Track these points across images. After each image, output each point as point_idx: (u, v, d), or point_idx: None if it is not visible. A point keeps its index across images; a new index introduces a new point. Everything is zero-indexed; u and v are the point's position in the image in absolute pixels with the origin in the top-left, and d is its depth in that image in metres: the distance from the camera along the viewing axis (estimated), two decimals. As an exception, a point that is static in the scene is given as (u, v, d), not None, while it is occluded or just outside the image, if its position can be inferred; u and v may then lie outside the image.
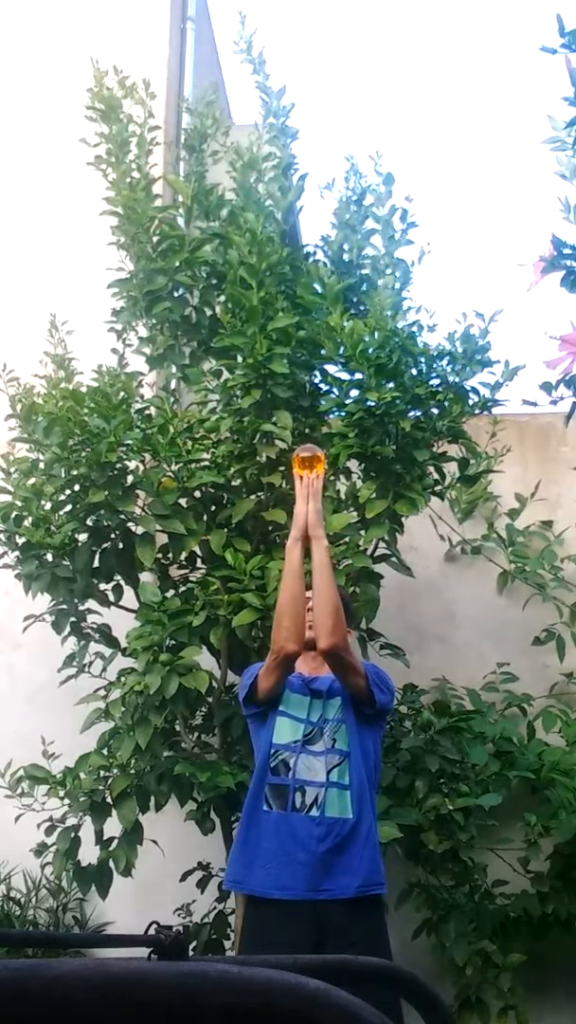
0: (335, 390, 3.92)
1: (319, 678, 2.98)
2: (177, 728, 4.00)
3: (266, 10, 19.82)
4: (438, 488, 4.09)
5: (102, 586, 4.13)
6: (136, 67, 4.52)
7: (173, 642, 3.67)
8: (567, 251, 3.37)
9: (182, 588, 4.09)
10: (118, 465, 3.79)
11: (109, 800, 3.84)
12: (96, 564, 4.02)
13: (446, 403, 3.81)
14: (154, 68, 5.78)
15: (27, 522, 3.94)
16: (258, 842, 2.82)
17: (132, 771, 3.79)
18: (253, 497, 3.95)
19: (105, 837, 3.90)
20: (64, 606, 4.14)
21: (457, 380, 3.84)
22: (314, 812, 2.78)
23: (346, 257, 4.30)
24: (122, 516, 3.89)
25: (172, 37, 6.06)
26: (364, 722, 2.94)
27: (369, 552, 3.94)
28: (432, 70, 20.40)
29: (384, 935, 2.87)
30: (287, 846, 2.76)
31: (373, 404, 3.70)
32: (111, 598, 4.16)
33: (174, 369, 4.36)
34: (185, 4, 6.29)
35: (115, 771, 3.82)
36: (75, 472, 3.78)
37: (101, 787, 3.85)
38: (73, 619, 4.18)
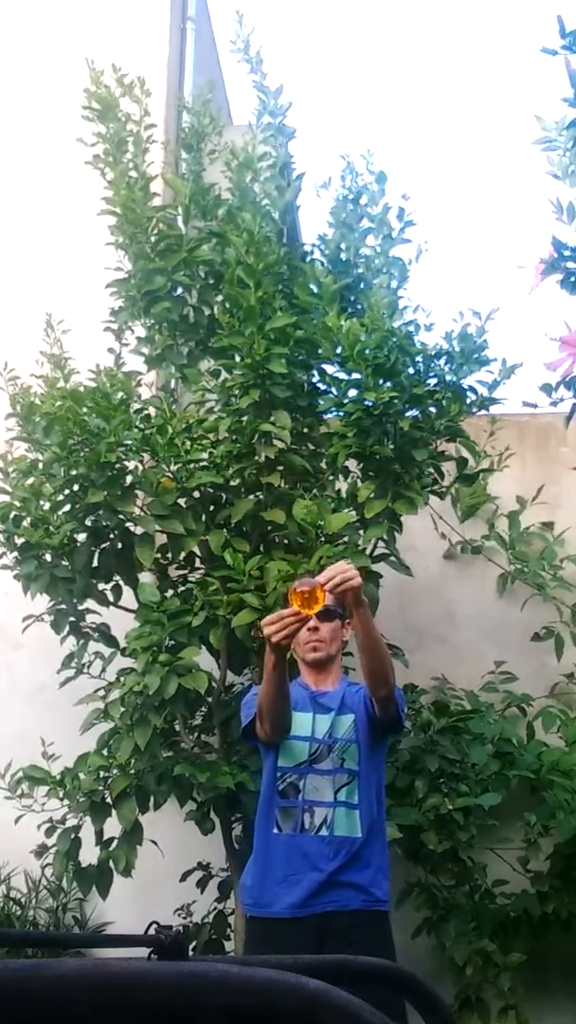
0: (333, 390, 3.92)
1: (328, 693, 2.94)
2: (177, 728, 4.00)
3: (265, 9, 19.81)
4: (437, 487, 4.09)
5: (101, 586, 4.13)
6: (136, 66, 4.51)
7: (172, 642, 3.66)
8: (567, 252, 3.37)
9: (181, 588, 4.09)
10: (117, 465, 3.79)
11: (109, 800, 3.84)
12: (95, 564, 4.02)
13: (444, 402, 3.81)
14: (154, 68, 5.78)
15: (26, 522, 3.94)
16: (269, 864, 2.80)
17: (132, 771, 3.78)
18: (252, 497, 3.94)
19: (105, 837, 3.90)
20: (63, 606, 4.14)
21: (455, 379, 3.84)
22: (323, 832, 2.77)
23: (343, 256, 4.30)
24: (121, 516, 3.89)
25: (172, 37, 6.06)
26: (376, 741, 2.92)
27: (368, 552, 3.94)
28: (431, 69, 20.40)
29: (390, 944, 2.83)
30: (296, 865, 2.76)
31: (371, 404, 3.70)
32: (110, 598, 4.16)
33: (172, 369, 4.36)
34: (185, 4, 6.29)
35: (115, 771, 3.82)
36: (74, 472, 3.78)
37: (101, 787, 3.85)
38: (72, 619, 4.18)
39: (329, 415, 4.16)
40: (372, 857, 2.81)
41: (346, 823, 2.79)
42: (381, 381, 3.73)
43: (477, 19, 19.94)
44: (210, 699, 3.97)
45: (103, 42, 5.43)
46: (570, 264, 3.36)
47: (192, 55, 6.16)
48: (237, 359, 3.87)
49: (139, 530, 3.88)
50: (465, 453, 4.16)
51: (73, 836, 3.90)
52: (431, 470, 3.97)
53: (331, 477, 4.07)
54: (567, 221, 3.44)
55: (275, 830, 2.81)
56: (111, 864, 3.83)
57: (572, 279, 3.37)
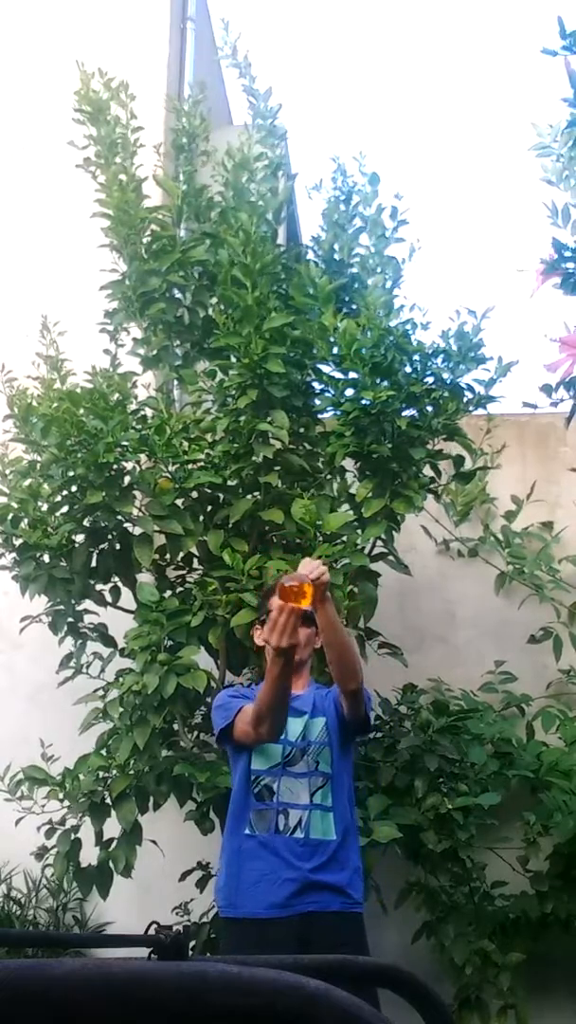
0: (330, 389, 3.92)
1: (300, 696, 2.95)
2: (176, 728, 4.00)
3: (264, 10, 19.80)
4: (434, 486, 4.09)
5: (99, 587, 4.12)
6: (136, 67, 4.52)
7: (171, 642, 3.67)
8: (567, 253, 3.38)
9: (180, 588, 4.09)
10: (115, 466, 3.79)
11: (108, 801, 3.84)
12: (94, 565, 4.02)
13: (441, 401, 3.82)
14: (154, 68, 5.78)
15: (24, 523, 3.94)
16: (243, 865, 2.81)
17: (131, 771, 3.78)
18: (250, 497, 3.95)
19: (104, 838, 3.90)
20: (61, 607, 4.14)
21: (452, 377, 3.84)
22: (298, 834, 2.79)
23: (337, 257, 4.30)
24: (119, 517, 3.89)
25: (172, 37, 6.06)
26: (346, 743, 2.95)
27: (367, 551, 3.94)
28: (431, 70, 20.40)
29: (366, 946, 2.87)
30: (273, 865, 2.77)
31: (368, 403, 3.70)
32: (108, 599, 4.16)
33: (168, 370, 4.36)
34: (185, 4, 6.29)
35: (114, 772, 3.82)
36: (72, 473, 3.78)
37: (100, 788, 3.85)
38: (70, 620, 4.18)
39: (326, 414, 4.17)
40: (348, 859, 2.84)
41: (321, 825, 2.82)
42: (378, 380, 3.73)
43: (475, 20, 19.96)
44: (209, 699, 3.97)
45: (102, 43, 5.44)
46: (570, 265, 3.37)
47: (192, 55, 6.16)
48: (234, 359, 3.87)
49: (137, 530, 3.88)
50: (462, 451, 4.16)
51: (73, 837, 3.90)
52: (428, 468, 3.97)
53: (329, 476, 4.07)
54: (562, 225, 3.46)
55: (247, 831, 2.82)
56: (111, 864, 3.83)
57: (572, 280, 3.38)
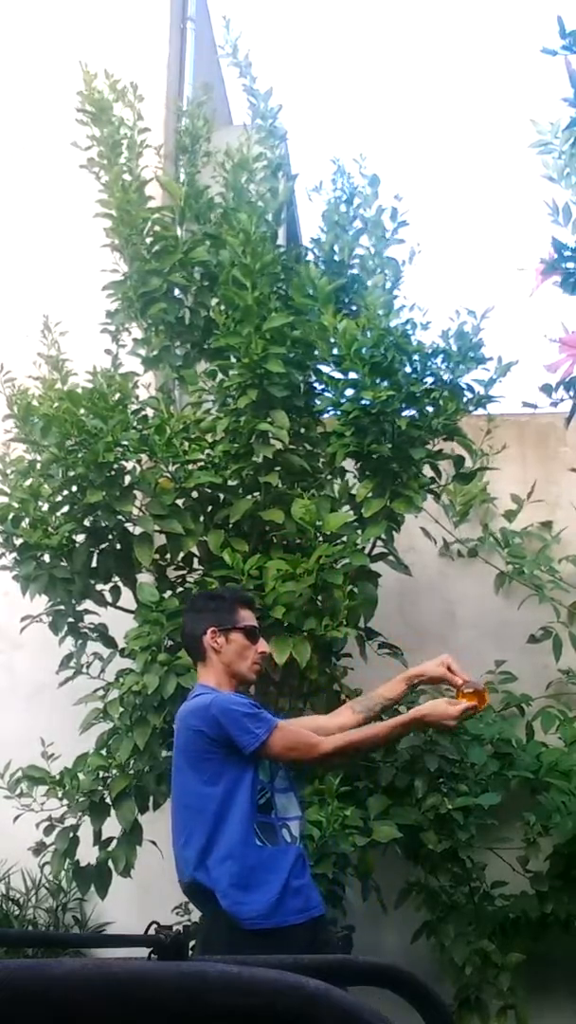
0: (330, 389, 3.92)
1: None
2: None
3: (265, 10, 19.81)
4: (434, 486, 4.09)
5: (99, 587, 4.12)
6: (136, 68, 4.52)
7: (171, 642, 3.67)
8: (567, 253, 3.38)
9: (180, 588, 4.09)
10: (115, 465, 3.79)
11: (108, 800, 3.84)
12: (94, 565, 4.02)
13: (441, 401, 3.81)
14: (154, 69, 5.78)
15: (25, 523, 3.94)
16: (268, 877, 2.81)
17: (131, 771, 3.78)
18: (250, 497, 3.95)
19: (104, 837, 3.90)
20: (61, 607, 4.14)
21: (451, 377, 3.84)
22: (300, 844, 2.88)
23: (336, 257, 4.30)
24: (120, 516, 3.89)
25: (172, 37, 6.06)
26: None
27: (367, 551, 3.94)
28: (431, 70, 20.41)
29: None
30: (289, 874, 2.80)
31: (368, 403, 3.70)
32: (108, 599, 4.15)
33: (169, 370, 4.36)
34: (185, 4, 6.29)
35: (114, 771, 3.82)
36: (72, 472, 3.78)
37: (100, 787, 3.85)
38: (70, 620, 4.17)
39: (326, 415, 4.17)
40: None
41: (302, 832, 2.93)
42: (378, 380, 3.73)
43: (475, 20, 19.97)
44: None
45: (103, 43, 5.44)
46: (570, 264, 3.37)
47: (192, 55, 6.16)
48: (234, 359, 3.87)
49: (138, 530, 3.88)
50: (462, 451, 4.16)
51: (72, 835, 3.90)
52: (428, 468, 3.97)
53: (329, 477, 4.07)
54: (563, 223, 3.47)
55: (258, 843, 2.82)
56: (110, 864, 3.83)
57: (572, 279, 3.38)
